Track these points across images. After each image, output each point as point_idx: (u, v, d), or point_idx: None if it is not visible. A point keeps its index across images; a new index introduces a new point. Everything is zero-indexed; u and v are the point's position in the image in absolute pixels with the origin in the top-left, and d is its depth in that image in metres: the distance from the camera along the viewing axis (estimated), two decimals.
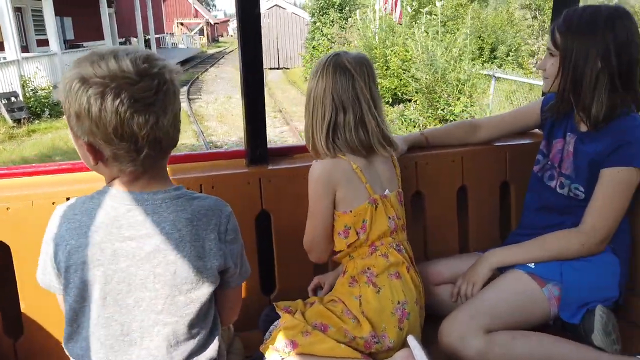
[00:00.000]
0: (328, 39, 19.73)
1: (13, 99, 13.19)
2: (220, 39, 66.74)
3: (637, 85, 1.81)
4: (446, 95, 11.01)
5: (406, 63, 12.58)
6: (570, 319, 1.79)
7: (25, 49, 17.39)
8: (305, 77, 18.35)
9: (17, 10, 18.04)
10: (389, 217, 1.77)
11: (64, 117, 1.22)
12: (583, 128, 1.90)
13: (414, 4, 15.12)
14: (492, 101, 12.04)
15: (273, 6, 26.94)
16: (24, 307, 1.79)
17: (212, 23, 63.19)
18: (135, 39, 26.83)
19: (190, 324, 1.29)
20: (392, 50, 13.25)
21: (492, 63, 15.52)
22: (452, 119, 10.72)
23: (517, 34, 16.43)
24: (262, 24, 1.95)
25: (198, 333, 1.32)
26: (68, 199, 1.72)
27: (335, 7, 21.46)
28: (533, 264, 1.85)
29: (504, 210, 2.34)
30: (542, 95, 2.20)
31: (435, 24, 12.22)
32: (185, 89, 18.53)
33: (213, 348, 1.36)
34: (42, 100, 13.78)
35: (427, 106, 11.29)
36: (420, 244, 2.22)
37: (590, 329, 1.75)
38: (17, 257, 1.76)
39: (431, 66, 11.19)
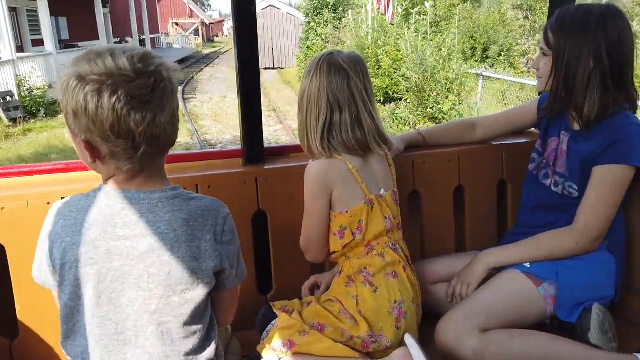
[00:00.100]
0: (322, 39, 19.75)
1: (9, 98, 13.26)
2: (216, 39, 66.68)
3: (629, 84, 1.81)
4: (435, 94, 11.13)
5: (397, 62, 12.67)
6: (567, 317, 1.80)
7: (20, 48, 17.40)
8: (300, 77, 18.37)
9: (12, 11, 18.02)
10: (385, 217, 1.77)
11: (60, 116, 1.22)
12: (576, 127, 1.90)
13: (404, 4, 15.19)
14: (480, 99, 12.27)
15: (268, 6, 26.95)
16: (19, 308, 1.78)
17: (207, 23, 63.12)
18: (130, 39, 26.80)
19: (185, 324, 1.28)
20: (383, 50, 13.33)
21: (484, 63, 15.66)
22: (440, 117, 10.87)
23: (509, 34, 16.53)
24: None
25: (194, 333, 1.31)
26: (63, 198, 1.71)
27: (329, 7, 21.48)
28: (528, 263, 1.85)
29: (501, 209, 2.34)
30: (539, 94, 2.20)
31: (426, 24, 12.31)
32: (180, 88, 18.54)
33: (211, 350, 1.35)
34: (38, 99, 13.84)
35: (417, 104, 11.45)
36: (417, 244, 2.22)
37: (587, 327, 1.75)
38: (13, 257, 1.75)
39: (421, 65, 11.31)
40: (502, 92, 11.79)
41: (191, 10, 59.85)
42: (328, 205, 1.74)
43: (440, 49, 11.54)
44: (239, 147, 2.08)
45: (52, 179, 1.89)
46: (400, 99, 12.58)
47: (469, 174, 2.25)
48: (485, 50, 16.29)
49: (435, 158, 2.21)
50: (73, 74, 1.14)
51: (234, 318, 1.53)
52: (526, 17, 17.17)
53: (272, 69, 26.63)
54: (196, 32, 54.84)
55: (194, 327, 1.31)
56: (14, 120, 12.70)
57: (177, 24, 55.28)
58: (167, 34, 46.60)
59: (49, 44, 16.55)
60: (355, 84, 1.69)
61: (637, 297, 1.98)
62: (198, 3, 72.14)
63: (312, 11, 21.95)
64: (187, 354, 1.30)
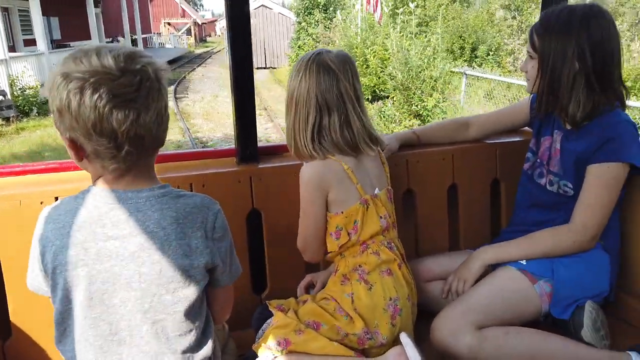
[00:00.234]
0: (313, 39, 19.75)
1: (1, 97, 13.26)
2: (208, 38, 66.63)
3: (615, 83, 1.81)
4: (420, 92, 11.23)
5: (385, 62, 12.77)
6: (561, 315, 1.81)
7: (12, 48, 17.33)
8: None
9: (4, 10, 17.95)
10: (381, 217, 1.77)
11: (52, 114, 1.21)
12: (568, 126, 1.91)
13: (390, 4, 15.27)
14: (463, 97, 12.65)
15: (259, 6, 26.89)
16: (12, 309, 1.77)
17: (200, 23, 63.04)
18: (122, 38, 26.71)
19: (180, 321, 1.28)
20: (371, 50, 13.41)
21: (473, 62, 15.83)
22: (425, 114, 11.07)
23: (498, 34, 16.68)
24: None
25: (190, 331, 1.30)
26: (56, 198, 1.70)
27: (320, 7, 21.50)
28: (524, 260, 1.86)
29: (495, 207, 2.35)
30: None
31: (411, 24, 12.43)
32: (172, 88, 18.50)
33: (207, 347, 1.35)
34: (30, 99, 13.87)
35: (403, 102, 11.58)
36: (411, 242, 2.22)
37: (580, 324, 1.76)
38: (5, 257, 1.74)
39: (406, 64, 11.41)
40: (489, 90, 12.11)
41: (183, 10, 59.73)
42: (324, 206, 1.73)
43: (425, 49, 11.64)
44: (232, 145, 2.07)
45: (45, 179, 1.87)
46: (387, 97, 12.69)
47: (463, 173, 2.26)
48: (473, 49, 16.45)
49: (429, 157, 2.21)
50: (59, 73, 1.14)
51: (229, 316, 1.53)
52: (514, 17, 17.28)
53: (264, 68, 26.56)
54: (188, 31, 54.71)
55: (190, 325, 1.30)
56: (7, 119, 12.76)
57: (169, 23, 55.14)
58: (160, 33, 46.46)
59: (41, 44, 16.47)
60: (344, 85, 1.68)
61: (630, 296, 1.99)
62: (190, 3, 71.95)
63: (302, 11, 21.96)
64: (184, 351, 1.29)
